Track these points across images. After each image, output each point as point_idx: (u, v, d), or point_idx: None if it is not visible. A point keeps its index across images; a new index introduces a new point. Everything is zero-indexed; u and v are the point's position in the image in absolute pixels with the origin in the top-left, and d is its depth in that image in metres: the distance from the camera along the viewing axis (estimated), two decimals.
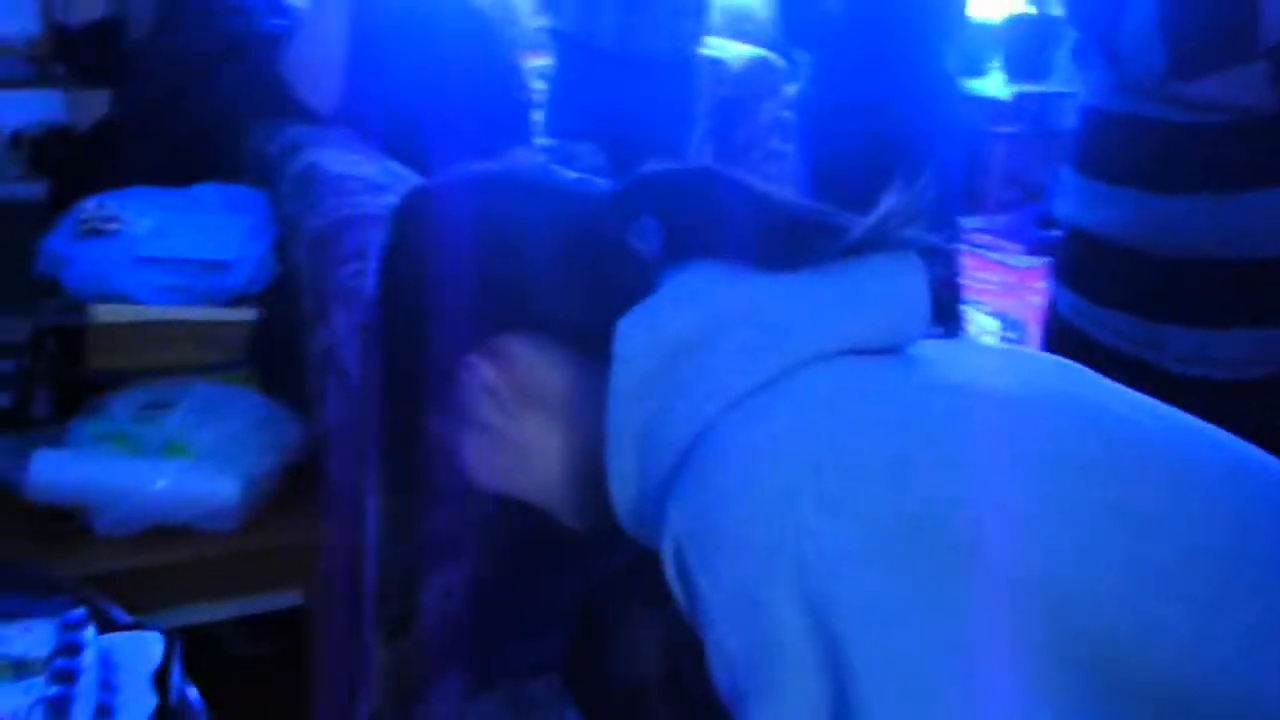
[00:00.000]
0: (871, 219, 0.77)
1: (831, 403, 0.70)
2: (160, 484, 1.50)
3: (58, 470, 1.49)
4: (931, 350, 0.78)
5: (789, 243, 0.77)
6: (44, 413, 1.76)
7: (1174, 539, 0.68)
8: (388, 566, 1.48)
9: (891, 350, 0.76)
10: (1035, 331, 3.69)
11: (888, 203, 0.78)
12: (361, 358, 1.08)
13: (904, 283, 0.77)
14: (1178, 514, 0.69)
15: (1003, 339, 3.60)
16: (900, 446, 0.68)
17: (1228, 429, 0.78)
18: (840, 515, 0.65)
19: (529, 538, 1.48)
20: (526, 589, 1.47)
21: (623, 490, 0.76)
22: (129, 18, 2.30)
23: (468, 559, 1.48)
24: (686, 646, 0.86)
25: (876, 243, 0.77)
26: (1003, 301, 3.85)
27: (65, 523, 1.50)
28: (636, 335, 0.75)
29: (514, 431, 0.83)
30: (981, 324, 3.76)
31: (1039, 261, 4.54)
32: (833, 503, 0.65)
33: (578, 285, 0.82)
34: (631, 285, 0.79)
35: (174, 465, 1.52)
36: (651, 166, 0.84)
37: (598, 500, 0.78)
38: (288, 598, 1.59)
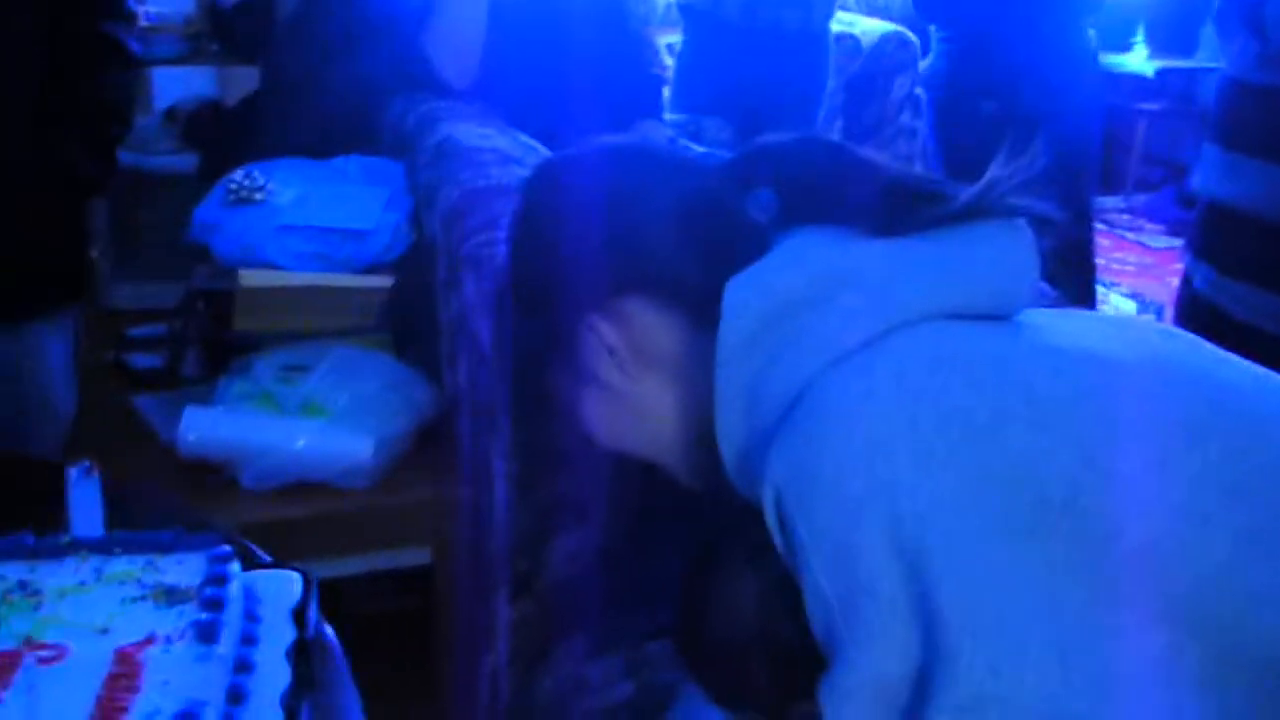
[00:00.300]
0: (978, 187, 0.78)
1: (930, 361, 0.72)
2: (300, 442, 1.58)
3: (207, 427, 1.57)
4: (1038, 317, 0.79)
5: (895, 209, 0.79)
6: (193, 373, 1.85)
7: (1268, 502, 0.68)
8: (514, 528, 1.53)
9: (996, 316, 0.77)
10: (1172, 313, 3.60)
11: (994, 170, 0.78)
12: (494, 323, 1.12)
13: (1009, 249, 0.78)
14: (1276, 478, 0.68)
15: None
16: (997, 404, 0.69)
17: None
18: (934, 468, 0.66)
19: (650, 504, 1.51)
20: (647, 554, 1.50)
21: (730, 444, 0.79)
22: None
23: (593, 524, 1.52)
24: (781, 608, 0.89)
25: (983, 210, 0.78)
26: (1140, 282, 3.76)
27: (213, 476, 1.58)
28: (745, 295, 0.77)
29: (632, 390, 0.87)
30: (1118, 305, 3.67)
31: (1179, 242, 4.42)
32: (927, 456, 0.67)
33: (693, 249, 0.85)
34: (745, 250, 0.81)
35: (313, 424, 1.59)
36: (766, 137, 0.86)
37: (710, 457, 0.81)
38: (418, 555, 1.65)
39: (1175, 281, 3.95)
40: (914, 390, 0.70)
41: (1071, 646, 0.63)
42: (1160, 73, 4.67)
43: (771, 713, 0.93)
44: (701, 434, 0.83)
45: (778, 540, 0.73)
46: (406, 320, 1.82)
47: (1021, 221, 0.79)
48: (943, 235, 0.78)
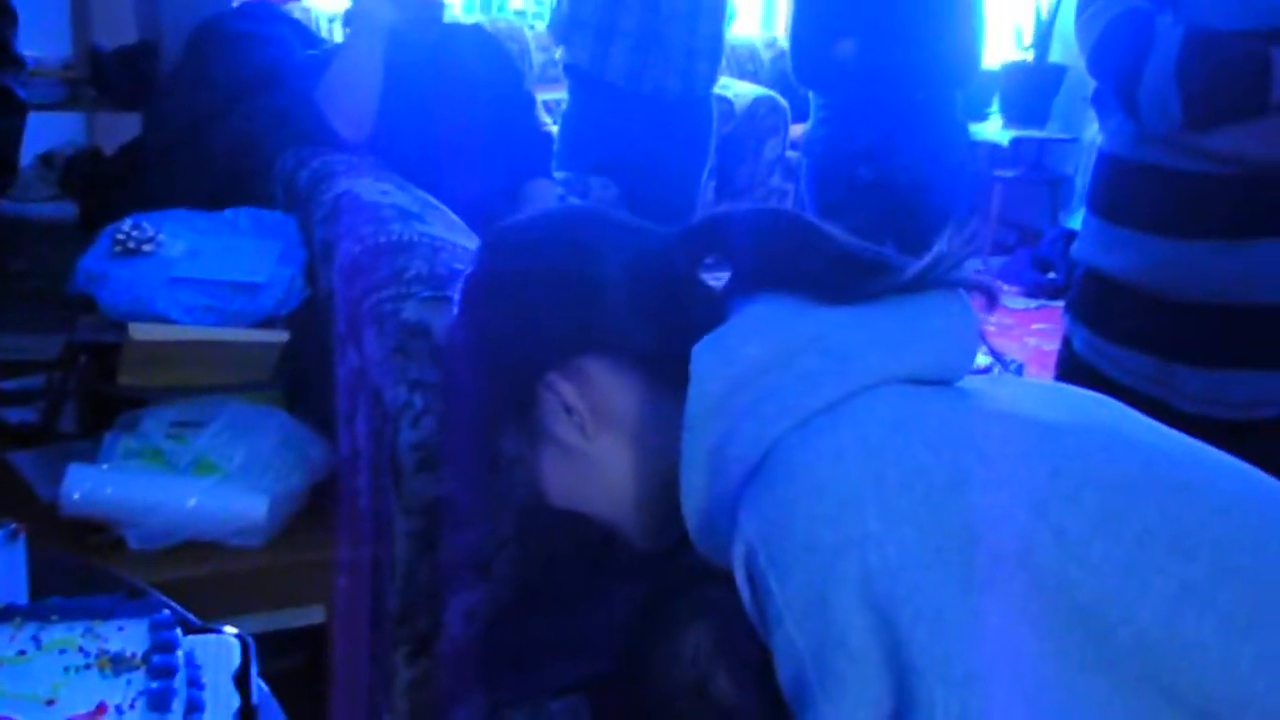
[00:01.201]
0: (925, 261, 0.82)
1: (891, 423, 0.75)
2: (192, 501, 1.54)
3: (93, 485, 1.52)
4: (978, 383, 0.83)
5: (849, 278, 0.83)
6: (71, 428, 1.79)
7: (1208, 559, 0.73)
8: (411, 587, 1.52)
9: (943, 381, 0.81)
10: (1032, 372, 3.75)
11: (940, 246, 0.83)
12: (441, 381, 1.12)
13: (955, 319, 0.83)
14: (1211, 536, 0.74)
15: (998, 355, 3.64)
16: (954, 465, 0.73)
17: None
18: (901, 524, 0.70)
19: (552, 561, 1.52)
20: (548, 612, 1.51)
21: (694, 503, 0.81)
22: (162, 44, 2.35)
23: (494, 581, 1.51)
24: (720, 664, 0.91)
25: (930, 282, 0.82)
26: (1001, 341, 3.92)
27: (95, 536, 1.53)
28: (712, 361, 0.80)
29: (588, 449, 0.88)
30: (980, 362, 3.81)
31: (1036, 304, 4.62)
32: (894, 512, 0.70)
33: (652, 313, 0.87)
34: (702, 315, 0.84)
35: (204, 483, 1.56)
36: (723, 207, 0.90)
37: (664, 518, 0.83)
38: (312, 614, 1.62)
39: (1033, 341, 4.12)
40: (878, 451, 0.73)
41: (1037, 695, 0.67)
42: (1014, 141, 4.90)
43: None
44: (658, 493, 0.85)
45: (745, 597, 0.75)
46: (301, 376, 1.80)
47: (963, 293, 0.84)
48: (893, 304, 0.82)
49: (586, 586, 1.35)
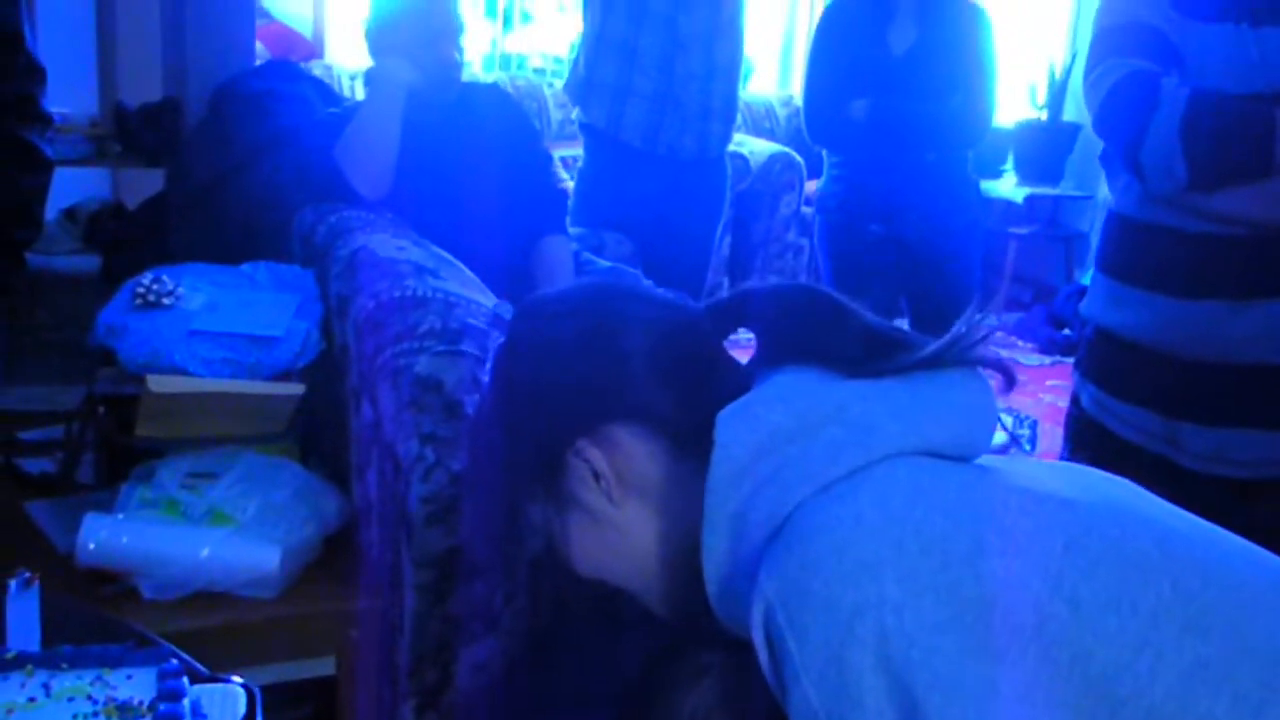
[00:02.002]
0: (945, 339, 0.85)
1: (911, 493, 0.77)
2: (205, 552, 1.55)
3: (108, 535, 1.54)
4: (996, 461, 0.85)
5: (871, 353, 0.86)
6: (89, 479, 1.81)
7: (1222, 637, 0.74)
8: (421, 639, 1.52)
9: (960, 456, 0.83)
10: (1047, 428, 3.75)
11: (959, 325, 0.86)
12: (469, 446, 1.14)
13: (974, 396, 0.86)
14: (1225, 615, 0.75)
15: (1015, 435, 3.65)
16: (973, 536, 0.74)
17: (1241, 526, 0.83)
18: (919, 590, 0.71)
19: (560, 615, 1.52)
20: (555, 666, 1.51)
21: (715, 567, 0.83)
22: (186, 101, 2.41)
23: (502, 634, 1.52)
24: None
25: (950, 359, 0.85)
26: (1015, 399, 3.92)
27: (110, 586, 1.54)
28: (737, 428, 0.83)
29: (614, 516, 0.91)
30: (995, 440, 3.81)
31: (1050, 360, 4.62)
32: (912, 578, 0.72)
33: (679, 384, 0.90)
34: (728, 386, 0.87)
35: (218, 534, 1.57)
36: (752, 283, 0.93)
37: (687, 586, 0.85)
38: (323, 666, 1.63)
39: (1048, 398, 4.12)
40: (898, 518, 0.75)
41: None
42: (1029, 199, 4.93)
43: None
44: (681, 560, 0.87)
45: (763, 658, 0.76)
46: (315, 428, 1.82)
47: (981, 372, 0.86)
48: (914, 380, 0.85)
49: (596, 640, 1.36)
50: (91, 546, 1.54)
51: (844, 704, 0.71)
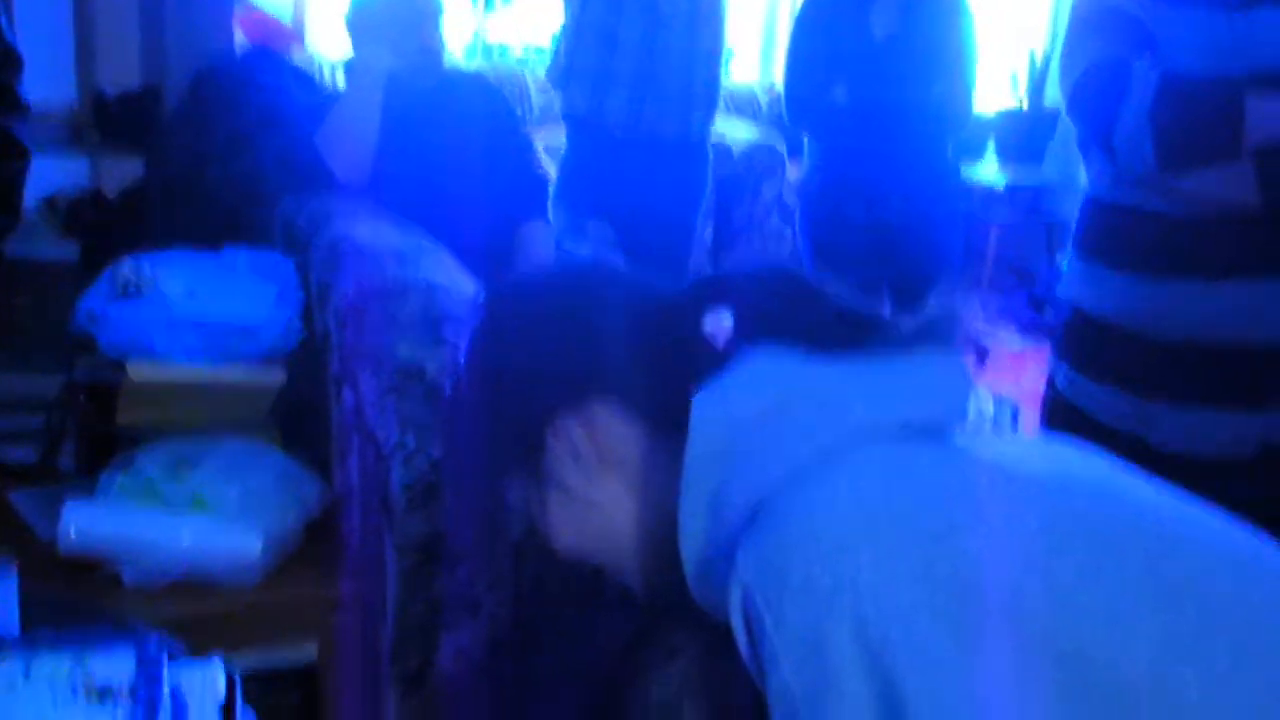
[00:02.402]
0: (923, 319, 0.86)
1: (886, 472, 0.78)
2: (186, 538, 1.55)
3: (90, 522, 1.54)
4: (968, 439, 0.86)
5: (845, 334, 0.86)
6: (70, 467, 1.81)
7: (1194, 609, 0.75)
8: (403, 624, 1.53)
9: (935, 434, 0.83)
10: (1027, 410, 3.77)
11: (937, 307, 0.86)
12: (446, 428, 1.14)
13: (950, 376, 0.87)
14: (1197, 586, 0.76)
15: (995, 417, 3.66)
16: (946, 515, 0.75)
17: (1213, 504, 0.84)
18: (896, 571, 0.72)
19: (542, 599, 1.53)
20: (536, 650, 1.52)
21: (692, 549, 0.84)
22: (165, 88, 2.39)
23: (484, 619, 1.53)
24: (690, 705, 0.94)
25: (924, 340, 0.85)
26: (996, 381, 3.93)
27: (91, 574, 1.54)
28: (712, 409, 0.83)
29: (594, 494, 0.91)
30: (984, 411, 3.83)
31: (1031, 343, 4.64)
32: (887, 558, 0.72)
33: (655, 364, 0.91)
34: (704, 366, 0.87)
35: (199, 520, 1.57)
36: (731, 265, 0.93)
37: (664, 563, 0.86)
38: (307, 651, 1.63)
39: (1028, 380, 4.13)
40: (873, 500, 0.76)
41: None
42: (1010, 185, 4.94)
43: None
44: (659, 538, 0.87)
45: (742, 642, 0.77)
46: (296, 416, 1.82)
47: (956, 350, 0.87)
48: (888, 359, 0.85)
49: (576, 624, 1.37)
50: (73, 533, 1.54)
51: (822, 684, 0.71)
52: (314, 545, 1.67)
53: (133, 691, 0.72)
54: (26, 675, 0.74)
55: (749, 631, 0.77)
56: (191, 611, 1.54)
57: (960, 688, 0.70)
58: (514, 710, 1.54)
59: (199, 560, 1.55)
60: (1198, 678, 0.73)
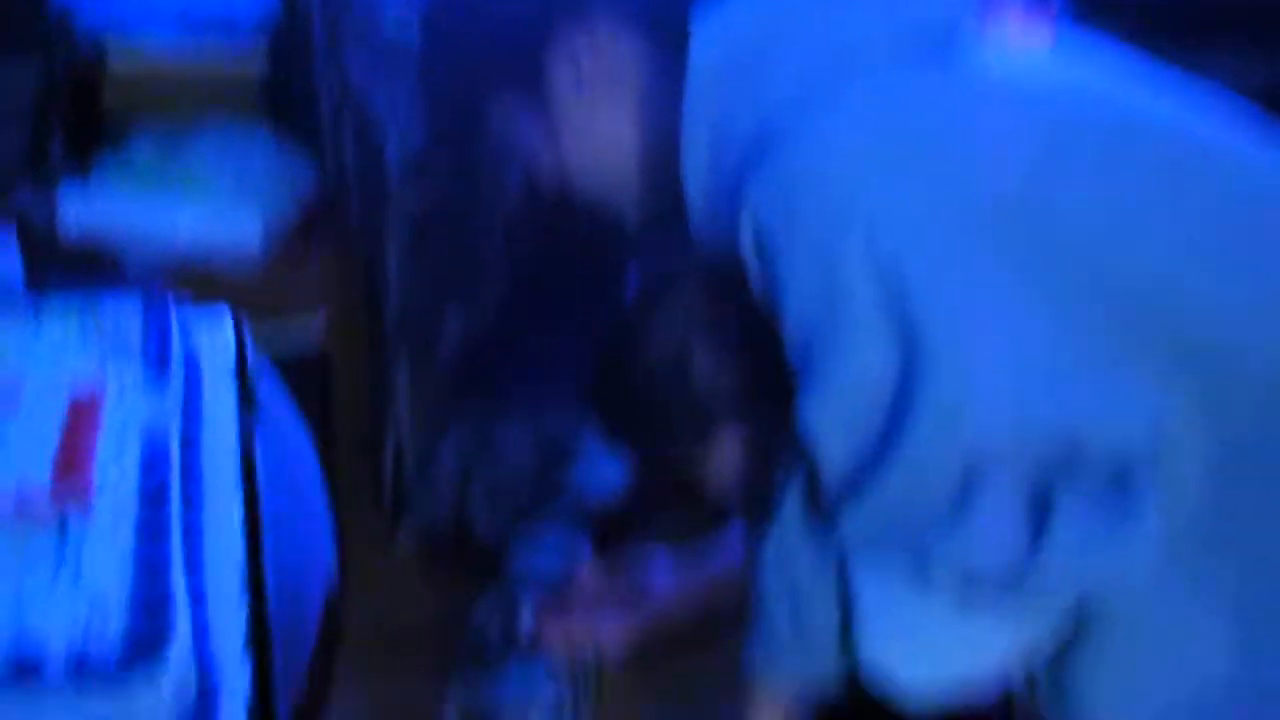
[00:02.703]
0: None
1: (888, 96, 0.77)
2: (186, 222, 1.55)
3: (88, 206, 1.54)
4: (978, 48, 0.83)
5: None
6: (60, 155, 1.78)
7: (1206, 198, 0.75)
8: (406, 300, 1.54)
9: (944, 42, 0.81)
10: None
11: None
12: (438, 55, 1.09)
13: None
14: (1208, 184, 0.76)
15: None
16: (950, 129, 0.75)
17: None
18: (902, 190, 0.73)
19: (546, 275, 1.54)
20: (539, 326, 1.54)
21: (696, 180, 0.84)
22: None
23: (487, 293, 1.54)
24: (706, 343, 0.95)
25: None
26: None
27: (96, 264, 1.55)
28: (711, 31, 0.82)
29: (596, 121, 0.90)
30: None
31: None
32: (895, 177, 0.73)
33: None
34: None
35: (198, 204, 1.57)
36: None
37: (659, 188, 0.86)
38: (314, 332, 1.64)
39: None
40: (876, 122, 0.76)
41: (1027, 340, 0.70)
42: None
43: (679, 450, 0.99)
44: (655, 163, 0.87)
45: (753, 267, 0.78)
46: (283, 98, 1.78)
47: None
48: None
49: (577, 288, 1.38)
50: (72, 220, 1.54)
51: (835, 304, 0.72)
52: (311, 228, 1.66)
53: (144, 338, 0.73)
54: (37, 319, 0.75)
55: (761, 261, 0.77)
56: (196, 297, 1.55)
57: (976, 301, 0.71)
58: (520, 385, 1.58)
59: (200, 244, 1.56)
60: (1212, 274, 0.74)
